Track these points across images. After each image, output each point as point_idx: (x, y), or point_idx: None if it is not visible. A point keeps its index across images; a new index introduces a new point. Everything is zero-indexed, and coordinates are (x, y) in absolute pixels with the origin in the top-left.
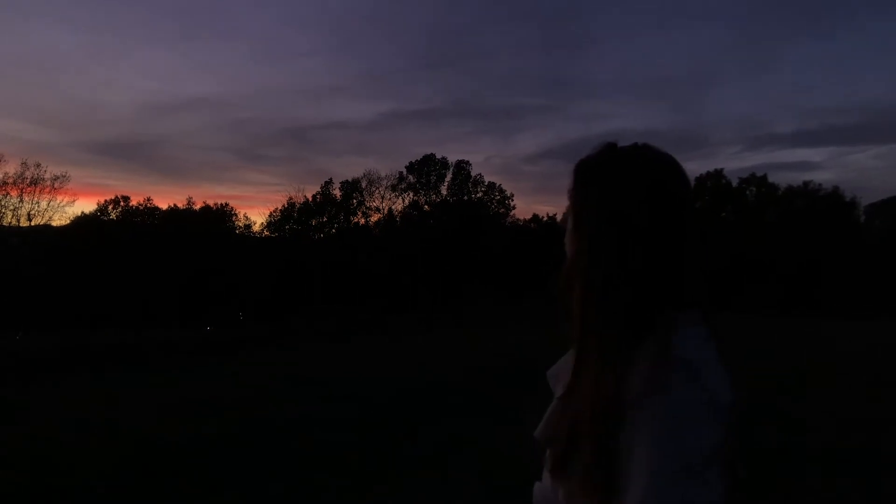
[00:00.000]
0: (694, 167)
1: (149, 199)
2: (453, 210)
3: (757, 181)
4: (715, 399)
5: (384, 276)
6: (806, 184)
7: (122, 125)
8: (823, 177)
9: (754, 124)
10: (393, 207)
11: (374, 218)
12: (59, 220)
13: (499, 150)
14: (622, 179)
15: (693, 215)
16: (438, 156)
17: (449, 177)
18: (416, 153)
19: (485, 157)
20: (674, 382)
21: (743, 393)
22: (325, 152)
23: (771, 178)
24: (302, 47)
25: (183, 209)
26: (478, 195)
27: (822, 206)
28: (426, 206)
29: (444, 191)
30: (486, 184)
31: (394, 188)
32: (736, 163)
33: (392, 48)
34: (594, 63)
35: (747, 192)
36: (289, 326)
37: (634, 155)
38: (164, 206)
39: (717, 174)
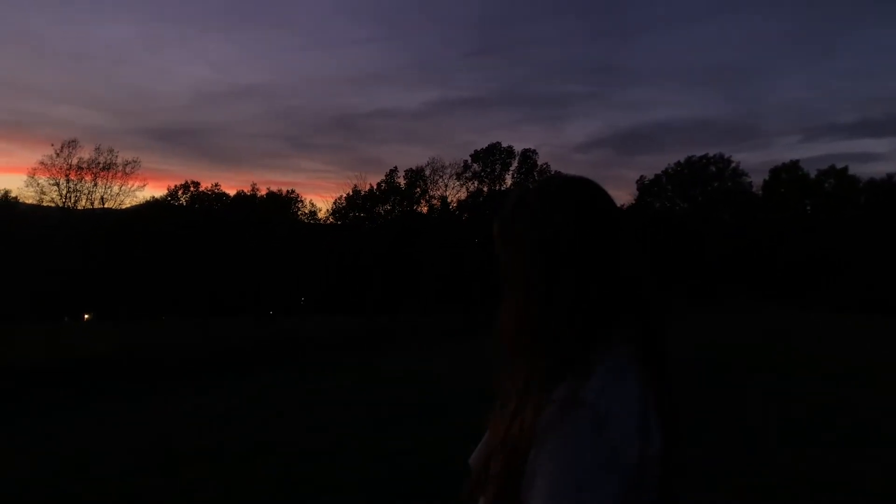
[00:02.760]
0: (747, 157)
1: (216, 185)
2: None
3: (836, 173)
4: (619, 452)
5: (461, 268)
6: (890, 176)
7: (176, 113)
8: (888, 168)
9: (813, 114)
10: (456, 196)
11: (436, 204)
12: (130, 203)
13: (548, 139)
14: (545, 207)
15: (626, 235)
16: (504, 144)
17: (514, 165)
18: (464, 141)
19: (534, 145)
20: (576, 430)
21: (671, 441)
22: (373, 140)
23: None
24: (352, 36)
25: (249, 195)
26: None
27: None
28: (481, 198)
29: (508, 180)
30: (552, 173)
31: (458, 177)
32: (793, 153)
33: (440, 36)
34: (644, 51)
35: (826, 185)
36: (398, 320)
37: (553, 185)
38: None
39: (794, 165)
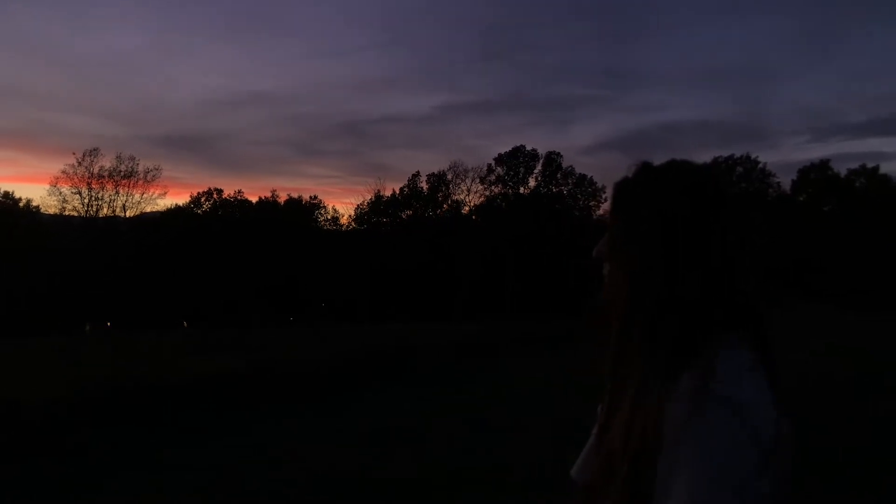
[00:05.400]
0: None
1: (240, 192)
2: (531, 205)
3: (867, 172)
4: (758, 433)
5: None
6: None
7: (185, 121)
8: None
9: (821, 114)
10: (477, 202)
11: (465, 210)
12: (151, 210)
13: (554, 142)
14: (670, 196)
15: (741, 226)
16: (528, 147)
17: (538, 168)
18: (472, 145)
19: (540, 148)
20: (714, 418)
21: (793, 424)
22: (381, 146)
23: (839, 169)
24: (358, 42)
25: (271, 201)
26: (568, 188)
27: None
28: (503, 203)
29: (532, 183)
30: (577, 176)
31: (482, 180)
32: (802, 154)
33: (446, 41)
34: (649, 53)
35: (857, 184)
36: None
37: (676, 171)
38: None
39: (823, 165)
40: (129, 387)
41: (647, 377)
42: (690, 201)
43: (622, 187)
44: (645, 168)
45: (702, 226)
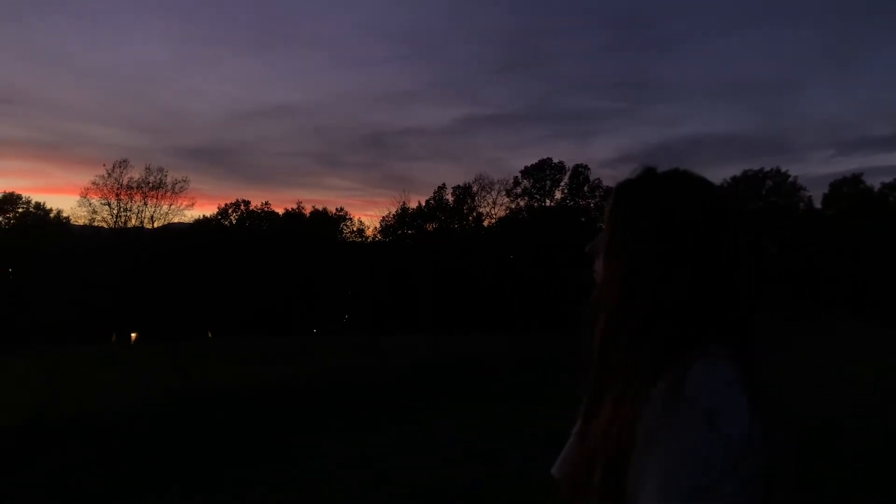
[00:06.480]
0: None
1: (266, 204)
2: (558, 217)
3: None
4: (728, 437)
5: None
6: None
7: (208, 132)
8: None
9: (846, 127)
10: (503, 214)
11: (489, 222)
12: (178, 221)
13: (576, 155)
14: (672, 200)
15: (738, 243)
16: (554, 159)
17: (565, 181)
18: (492, 157)
19: (562, 161)
20: (684, 421)
21: (777, 435)
22: (402, 157)
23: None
24: (379, 54)
25: (297, 213)
26: (595, 201)
27: None
28: (525, 214)
29: (558, 195)
30: (603, 188)
31: (509, 193)
32: (827, 168)
33: (467, 53)
34: (672, 66)
35: (891, 198)
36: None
37: (680, 177)
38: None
39: (856, 179)
40: (206, 396)
41: (630, 380)
42: (704, 212)
43: (625, 188)
44: (648, 172)
45: (712, 239)
